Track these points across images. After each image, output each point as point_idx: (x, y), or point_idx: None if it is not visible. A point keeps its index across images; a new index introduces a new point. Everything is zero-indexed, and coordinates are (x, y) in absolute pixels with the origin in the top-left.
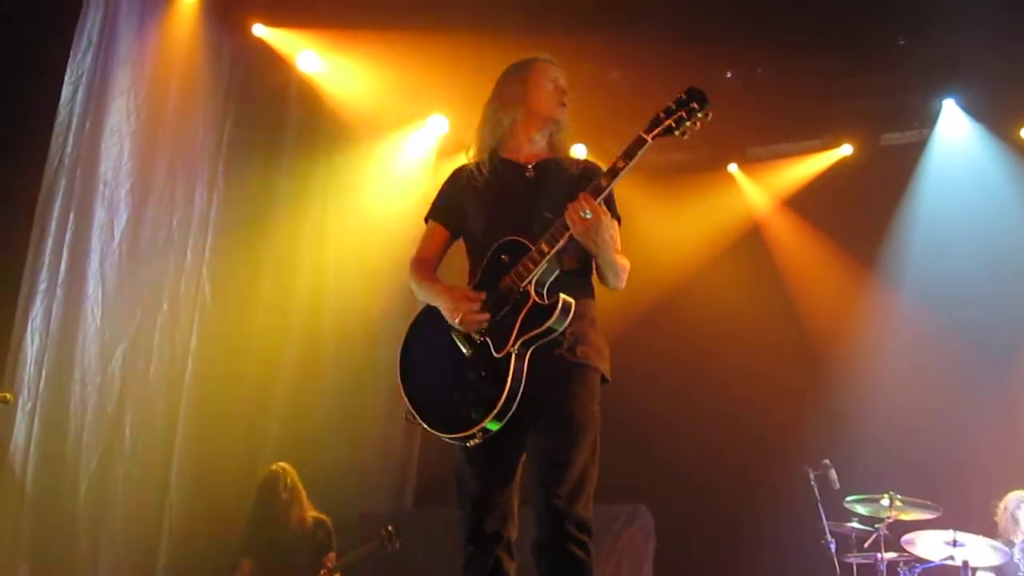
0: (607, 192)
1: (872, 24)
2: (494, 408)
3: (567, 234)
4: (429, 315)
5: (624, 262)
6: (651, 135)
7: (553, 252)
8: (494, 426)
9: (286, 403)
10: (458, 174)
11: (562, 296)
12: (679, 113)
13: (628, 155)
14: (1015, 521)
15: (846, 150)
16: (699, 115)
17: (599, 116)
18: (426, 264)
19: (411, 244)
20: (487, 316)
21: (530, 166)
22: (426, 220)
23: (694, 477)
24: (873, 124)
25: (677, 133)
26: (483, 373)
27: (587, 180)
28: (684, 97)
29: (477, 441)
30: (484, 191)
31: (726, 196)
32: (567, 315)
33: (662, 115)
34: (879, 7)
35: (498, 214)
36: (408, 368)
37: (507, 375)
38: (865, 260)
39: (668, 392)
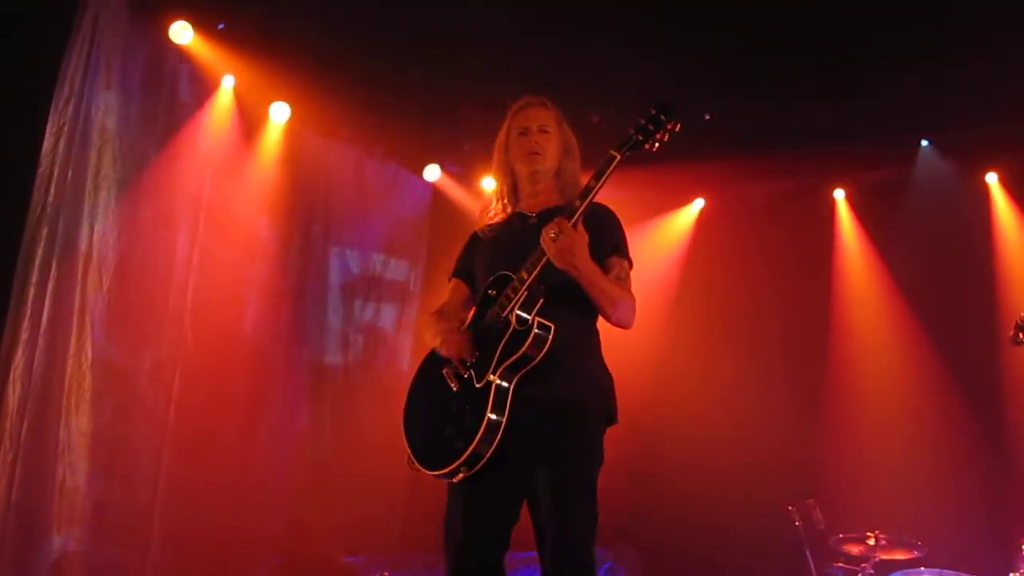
0: (580, 212)
1: (847, 65)
2: (475, 437)
3: (544, 259)
4: (426, 363)
5: (620, 293)
6: (620, 151)
7: (532, 278)
8: (478, 458)
9: (269, 447)
10: (475, 234)
11: (537, 319)
12: (647, 126)
13: (599, 174)
14: None
15: (838, 193)
16: (667, 126)
17: (581, 158)
18: (439, 313)
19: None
20: (467, 335)
21: (534, 215)
22: (448, 279)
23: (680, 517)
24: (852, 165)
25: (646, 146)
26: (467, 405)
27: (589, 221)
28: (653, 111)
29: (463, 475)
30: (491, 244)
31: (701, 238)
32: (543, 340)
33: (631, 131)
34: (857, 52)
35: (499, 261)
36: (409, 416)
37: (487, 404)
38: (846, 298)
39: (653, 433)
